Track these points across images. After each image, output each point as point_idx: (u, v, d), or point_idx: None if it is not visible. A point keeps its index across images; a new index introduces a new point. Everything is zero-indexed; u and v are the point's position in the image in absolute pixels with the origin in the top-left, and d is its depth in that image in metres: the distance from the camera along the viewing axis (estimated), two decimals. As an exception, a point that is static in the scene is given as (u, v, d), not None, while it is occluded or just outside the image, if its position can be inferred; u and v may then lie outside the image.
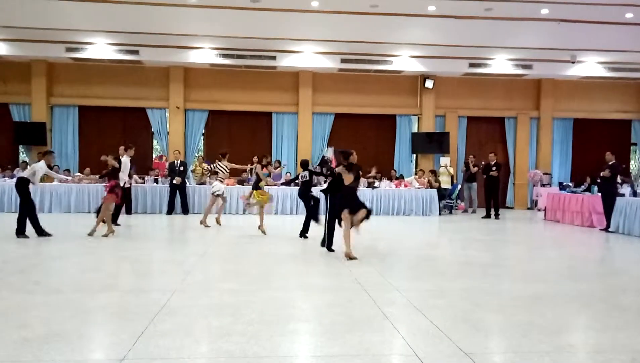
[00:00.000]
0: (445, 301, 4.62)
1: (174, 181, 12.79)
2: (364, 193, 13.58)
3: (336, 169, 7.33)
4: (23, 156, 15.92)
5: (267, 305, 4.41)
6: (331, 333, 3.68)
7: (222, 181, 10.78)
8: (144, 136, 16.37)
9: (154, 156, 16.27)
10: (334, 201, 7.24)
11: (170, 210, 12.90)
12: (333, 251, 7.23)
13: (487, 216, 13.38)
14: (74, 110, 15.81)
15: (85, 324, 3.85)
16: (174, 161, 13.15)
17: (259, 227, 9.31)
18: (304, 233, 8.89)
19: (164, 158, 15.31)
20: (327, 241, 7.37)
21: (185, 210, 12.98)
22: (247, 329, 3.73)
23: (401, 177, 15.45)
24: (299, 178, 9.38)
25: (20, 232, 8.32)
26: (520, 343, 3.55)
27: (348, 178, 6.93)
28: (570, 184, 14.39)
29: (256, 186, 9.45)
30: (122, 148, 10.79)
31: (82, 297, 4.57)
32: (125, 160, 10.59)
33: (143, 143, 16.37)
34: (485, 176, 13.67)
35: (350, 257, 6.60)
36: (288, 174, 15.10)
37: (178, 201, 13.01)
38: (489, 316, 4.21)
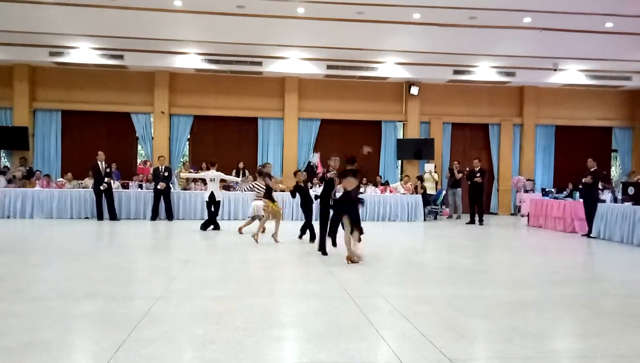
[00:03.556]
0: (430, 308, 4.64)
1: (159, 187, 12.70)
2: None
3: (330, 173, 7.48)
4: (4, 161, 15.69)
5: (252, 311, 4.38)
6: (316, 340, 3.67)
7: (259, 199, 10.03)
8: (128, 141, 16.26)
9: (138, 161, 16.15)
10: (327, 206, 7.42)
11: (155, 216, 12.80)
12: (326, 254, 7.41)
13: (472, 221, 13.48)
14: (57, 115, 15.65)
15: (67, 332, 3.79)
16: (158, 167, 13.05)
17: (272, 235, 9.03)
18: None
19: (148, 163, 15.19)
20: (324, 243, 7.47)
21: (170, 216, 12.88)
22: (231, 336, 3.70)
23: (386, 183, 15.52)
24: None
25: None
26: (504, 349, 3.58)
27: (351, 183, 7.02)
28: (552, 190, 14.57)
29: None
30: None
31: (64, 305, 4.50)
32: (213, 174, 11.02)
33: (127, 148, 16.27)
34: (469, 182, 13.79)
35: (352, 260, 6.75)
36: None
37: (162, 206, 12.90)
38: (474, 322, 4.23)
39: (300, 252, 7.83)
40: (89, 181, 13.45)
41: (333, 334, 3.79)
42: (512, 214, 17.20)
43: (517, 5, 11.76)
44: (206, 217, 11.22)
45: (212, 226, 10.86)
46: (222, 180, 11.44)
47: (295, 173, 9.39)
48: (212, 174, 11.04)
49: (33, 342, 3.50)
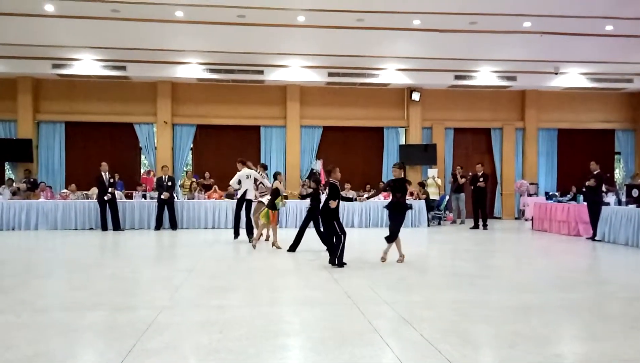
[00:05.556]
0: (435, 313, 4.64)
1: (162, 196, 12.73)
2: (352, 205, 13.61)
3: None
4: (9, 174, 15.77)
5: (256, 320, 4.39)
6: (321, 347, 3.67)
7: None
8: (131, 151, 16.32)
9: (142, 171, 16.20)
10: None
11: (159, 226, 12.82)
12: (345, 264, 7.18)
13: (475, 226, 13.45)
14: (61, 126, 15.74)
15: (72, 343, 3.80)
16: (162, 176, 13.10)
17: (273, 244, 9.21)
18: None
19: (151, 173, 15.24)
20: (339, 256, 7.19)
21: (174, 225, 12.90)
22: (236, 345, 3.71)
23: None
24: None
25: None
26: (508, 354, 3.57)
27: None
28: (556, 193, 14.55)
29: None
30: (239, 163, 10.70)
31: (69, 316, 4.52)
32: (242, 174, 10.45)
33: (131, 158, 16.33)
34: (472, 187, 13.77)
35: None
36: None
37: (166, 216, 12.93)
38: (478, 328, 4.23)
39: (304, 260, 7.83)
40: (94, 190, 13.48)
41: (337, 341, 3.79)
42: (516, 218, 17.16)
43: (517, 9, 11.78)
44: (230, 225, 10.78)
45: (235, 233, 10.44)
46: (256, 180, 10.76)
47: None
48: (248, 171, 10.55)
49: (38, 354, 3.51)
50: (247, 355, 3.50)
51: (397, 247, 7.69)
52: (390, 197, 7.95)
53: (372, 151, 16.99)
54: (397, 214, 7.66)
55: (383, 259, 7.60)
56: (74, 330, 4.11)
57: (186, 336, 3.96)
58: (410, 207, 7.71)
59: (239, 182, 10.47)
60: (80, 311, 4.70)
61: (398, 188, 7.63)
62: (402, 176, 7.72)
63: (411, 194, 14.15)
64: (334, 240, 7.24)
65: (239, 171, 10.59)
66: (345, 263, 7.16)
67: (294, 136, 16.37)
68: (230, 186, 10.91)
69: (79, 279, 6.36)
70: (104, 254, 9.15)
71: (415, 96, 16.47)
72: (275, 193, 9.22)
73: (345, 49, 13.82)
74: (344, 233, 7.25)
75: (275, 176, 9.69)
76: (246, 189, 10.46)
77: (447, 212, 15.51)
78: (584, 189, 11.42)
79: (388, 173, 16.84)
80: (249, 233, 10.30)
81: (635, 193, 10.12)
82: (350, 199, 8.76)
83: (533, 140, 17.27)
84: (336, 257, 7.13)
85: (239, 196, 10.53)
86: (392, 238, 7.61)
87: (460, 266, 7.51)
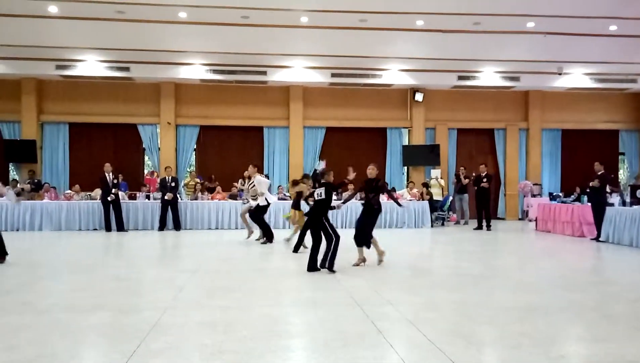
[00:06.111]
0: (438, 314, 4.63)
1: (166, 197, 12.75)
2: (356, 205, 13.60)
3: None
4: (13, 174, 15.82)
5: (260, 321, 4.39)
6: (324, 349, 3.66)
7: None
8: (135, 152, 16.36)
9: (145, 172, 16.24)
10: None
11: (162, 226, 12.84)
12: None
13: (479, 227, 13.42)
14: (64, 127, 15.79)
15: (76, 344, 3.80)
16: (165, 177, 13.12)
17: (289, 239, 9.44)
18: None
19: (155, 174, 15.27)
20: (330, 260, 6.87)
21: (178, 226, 12.92)
22: (239, 346, 3.70)
23: (393, 189, 15.47)
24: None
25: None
26: (512, 355, 3.56)
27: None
28: (560, 194, 14.50)
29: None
30: (251, 167, 10.75)
31: (72, 317, 4.52)
32: (260, 179, 10.45)
33: (134, 159, 16.37)
34: (476, 188, 13.73)
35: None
36: (281, 187, 15.07)
37: (170, 217, 12.95)
38: (482, 329, 4.21)
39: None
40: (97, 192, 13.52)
41: (340, 343, 3.78)
42: (519, 219, 17.12)
43: (521, 10, 11.77)
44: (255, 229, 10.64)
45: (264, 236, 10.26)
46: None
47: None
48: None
49: (42, 355, 3.51)
50: (250, 356, 3.49)
51: (375, 247, 7.35)
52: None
53: (375, 152, 16.96)
54: (366, 216, 7.29)
55: (364, 262, 7.25)
56: (77, 330, 4.12)
57: (190, 337, 3.96)
58: (380, 210, 7.32)
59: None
60: (84, 312, 4.70)
61: (373, 188, 7.31)
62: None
63: (422, 195, 14.20)
64: (327, 242, 6.87)
65: (254, 175, 10.46)
66: (334, 271, 6.74)
67: (297, 137, 16.37)
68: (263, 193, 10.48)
69: (82, 280, 6.36)
70: (108, 255, 9.16)
71: (419, 97, 16.46)
72: (299, 195, 9.40)
73: (348, 49, 13.83)
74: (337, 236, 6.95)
75: (297, 182, 9.79)
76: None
77: (450, 213, 15.49)
78: (588, 190, 11.39)
79: (391, 174, 16.86)
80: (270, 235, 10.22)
81: (639, 193, 10.07)
82: (332, 208, 8.10)
83: (537, 141, 17.23)
84: (327, 260, 6.80)
85: (265, 202, 10.32)
86: (364, 243, 7.21)
87: (463, 266, 7.49)
